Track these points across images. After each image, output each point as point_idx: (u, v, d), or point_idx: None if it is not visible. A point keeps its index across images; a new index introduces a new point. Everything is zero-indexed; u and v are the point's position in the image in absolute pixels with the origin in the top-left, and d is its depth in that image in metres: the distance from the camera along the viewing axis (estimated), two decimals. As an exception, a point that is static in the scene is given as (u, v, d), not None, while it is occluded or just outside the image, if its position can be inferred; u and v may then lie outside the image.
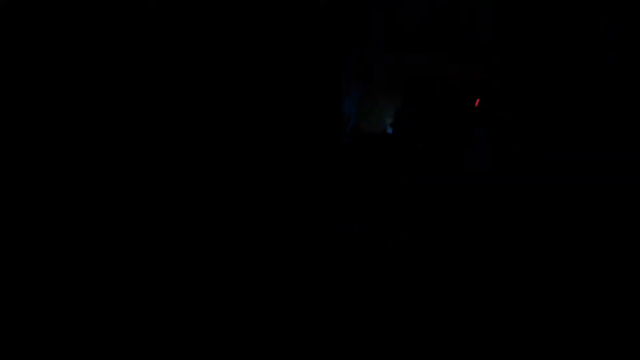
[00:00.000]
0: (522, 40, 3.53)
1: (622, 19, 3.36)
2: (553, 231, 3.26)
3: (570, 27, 3.44)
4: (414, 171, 3.65)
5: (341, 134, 3.82)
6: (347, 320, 2.59)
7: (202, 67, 3.93)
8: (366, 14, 3.83)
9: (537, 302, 2.82)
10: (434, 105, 3.67)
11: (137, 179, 3.71)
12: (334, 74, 3.87)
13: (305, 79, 3.89)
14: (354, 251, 3.28)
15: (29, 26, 3.29)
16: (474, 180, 3.51)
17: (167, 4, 3.84)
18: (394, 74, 3.83)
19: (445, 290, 2.95)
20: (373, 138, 3.73)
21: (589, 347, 2.51)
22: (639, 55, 3.32)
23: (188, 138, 3.98)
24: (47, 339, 2.28)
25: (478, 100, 3.48)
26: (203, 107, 3.94)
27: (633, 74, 3.33)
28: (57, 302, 2.54)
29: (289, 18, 3.83)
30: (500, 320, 2.69)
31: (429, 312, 2.74)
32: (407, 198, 3.57)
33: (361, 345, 2.41)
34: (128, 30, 4.12)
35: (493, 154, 3.53)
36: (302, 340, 2.38)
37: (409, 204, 3.55)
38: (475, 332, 2.57)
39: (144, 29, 4.05)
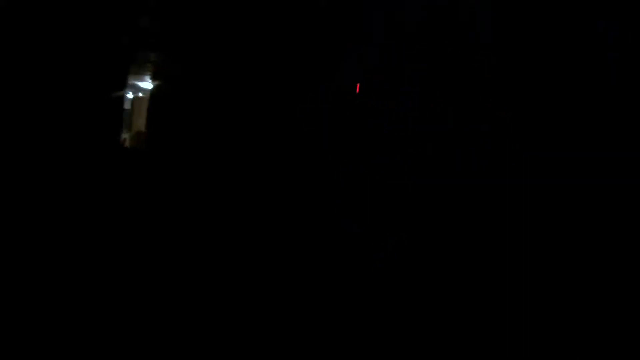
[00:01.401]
0: (522, 40, 3.53)
1: (622, 19, 3.36)
2: (553, 231, 3.25)
3: (570, 27, 3.44)
4: (414, 171, 3.65)
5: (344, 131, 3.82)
6: (347, 319, 2.59)
7: (202, 66, 3.92)
8: (366, 14, 3.82)
9: (536, 301, 2.81)
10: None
11: (134, 177, 3.71)
12: (334, 73, 3.87)
13: (306, 78, 3.89)
14: (354, 251, 3.27)
15: (28, 26, 3.30)
16: (474, 180, 3.51)
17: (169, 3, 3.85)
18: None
19: (445, 290, 2.94)
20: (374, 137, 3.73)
21: (590, 346, 2.50)
22: (639, 55, 3.32)
23: (187, 136, 3.97)
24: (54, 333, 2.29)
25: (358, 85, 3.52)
26: (202, 105, 3.93)
27: (633, 74, 3.33)
28: (56, 300, 2.55)
29: (289, 18, 3.83)
30: (500, 319, 2.68)
31: (429, 311, 2.73)
32: (407, 198, 3.56)
33: (361, 344, 2.40)
34: (128, 30, 4.13)
35: (493, 154, 3.53)
36: (302, 339, 2.38)
37: (409, 204, 3.55)
38: (474, 331, 2.56)
39: (144, 28, 4.05)
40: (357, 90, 3.77)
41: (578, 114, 3.44)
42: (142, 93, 8.63)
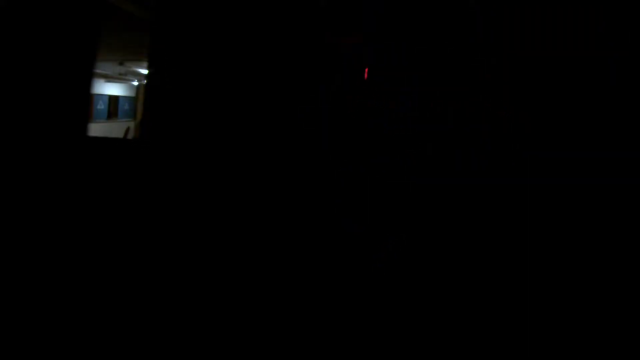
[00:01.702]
0: (522, 40, 3.53)
1: (622, 19, 3.36)
2: (553, 230, 3.25)
3: (570, 27, 3.44)
4: (414, 171, 3.65)
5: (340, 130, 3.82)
6: (347, 319, 2.59)
7: (200, 60, 3.92)
8: (366, 14, 3.83)
9: (536, 300, 2.81)
10: None
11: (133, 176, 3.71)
12: (334, 73, 3.87)
13: (306, 78, 3.89)
14: (354, 251, 3.27)
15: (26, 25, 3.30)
16: (474, 180, 3.51)
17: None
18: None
19: (445, 290, 2.94)
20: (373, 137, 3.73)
21: (589, 346, 2.50)
22: (639, 55, 3.32)
23: (182, 129, 3.97)
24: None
25: (367, 69, 3.51)
26: (199, 101, 3.93)
27: (633, 74, 3.33)
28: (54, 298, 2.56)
29: (290, 17, 3.83)
30: (500, 319, 2.68)
31: (429, 311, 2.73)
32: (407, 198, 3.57)
33: (361, 344, 2.40)
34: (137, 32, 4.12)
35: (493, 154, 3.53)
36: (302, 339, 2.38)
37: (409, 204, 3.55)
38: (474, 330, 2.57)
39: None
40: (365, 75, 3.77)
41: (578, 114, 3.44)
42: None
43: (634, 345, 2.55)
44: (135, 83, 11.05)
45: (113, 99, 11.50)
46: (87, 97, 3.66)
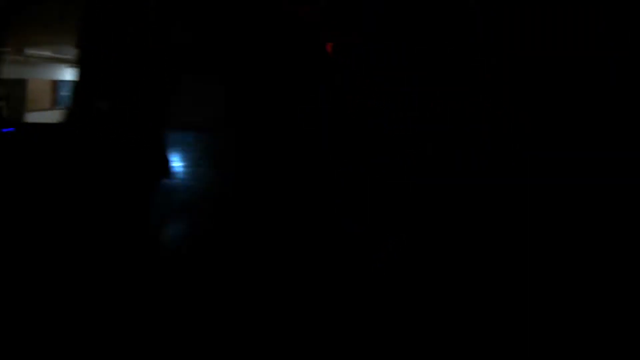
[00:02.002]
0: (522, 40, 3.54)
1: (622, 19, 3.36)
2: (553, 231, 3.25)
3: (570, 27, 3.44)
4: (414, 171, 3.65)
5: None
6: (347, 319, 2.58)
7: (208, 64, 3.91)
8: (366, 12, 3.83)
9: (536, 301, 2.81)
10: None
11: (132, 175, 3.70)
12: (333, 73, 3.87)
13: (306, 78, 3.89)
14: (354, 251, 3.27)
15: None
16: (474, 180, 3.51)
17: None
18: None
19: (445, 290, 2.94)
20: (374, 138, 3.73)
21: (589, 345, 2.50)
22: (639, 55, 3.32)
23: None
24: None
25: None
26: (206, 104, 3.92)
27: (633, 74, 3.33)
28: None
29: (289, 16, 3.82)
30: (500, 319, 2.68)
31: (429, 311, 2.73)
32: (407, 198, 3.56)
33: (361, 344, 2.40)
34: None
35: (493, 154, 3.53)
36: (301, 339, 2.37)
37: (409, 204, 3.55)
38: (474, 330, 2.56)
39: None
40: (329, 49, 3.71)
41: (578, 114, 3.44)
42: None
43: (634, 345, 2.55)
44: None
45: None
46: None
